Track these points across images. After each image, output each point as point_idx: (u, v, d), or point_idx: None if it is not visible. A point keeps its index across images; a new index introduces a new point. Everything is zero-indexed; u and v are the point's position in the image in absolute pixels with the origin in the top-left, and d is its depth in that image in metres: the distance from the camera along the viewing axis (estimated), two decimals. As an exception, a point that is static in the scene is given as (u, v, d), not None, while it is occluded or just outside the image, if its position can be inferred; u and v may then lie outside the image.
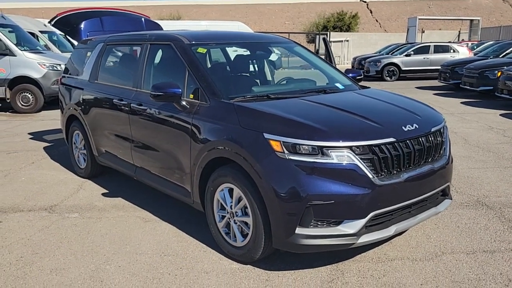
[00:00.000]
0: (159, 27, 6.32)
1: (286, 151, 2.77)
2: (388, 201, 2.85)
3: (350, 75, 4.35)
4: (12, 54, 10.29)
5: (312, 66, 4.42)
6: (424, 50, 17.93)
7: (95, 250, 3.42)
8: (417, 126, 3.06)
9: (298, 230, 2.76)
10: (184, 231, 3.71)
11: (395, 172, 2.88)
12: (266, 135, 2.85)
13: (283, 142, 2.78)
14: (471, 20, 30.30)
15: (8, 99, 10.49)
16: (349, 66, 23.26)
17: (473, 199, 4.33)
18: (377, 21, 56.95)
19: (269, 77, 4.68)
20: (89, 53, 5.16)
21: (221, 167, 3.21)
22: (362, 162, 2.75)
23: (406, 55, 17.82)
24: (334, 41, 28.36)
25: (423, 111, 3.40)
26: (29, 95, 10.56)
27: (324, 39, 5.31)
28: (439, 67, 15.23)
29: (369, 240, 2.85)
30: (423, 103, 3.70)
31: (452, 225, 3.75)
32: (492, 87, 11.23)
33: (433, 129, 3.17)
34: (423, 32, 29.80)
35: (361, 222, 2.78)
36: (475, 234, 3.56)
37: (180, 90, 3.43)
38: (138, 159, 4.19)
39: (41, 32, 13.73)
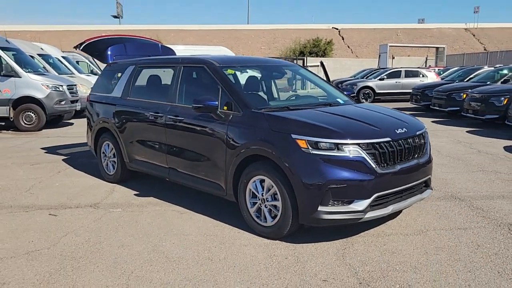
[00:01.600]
0: (172, 52, 7.17)
1: (310, 147, 3.64)
2: (386, 186, 3.74)
3: (346, 93, 5.30)
4: (17, 75, 10.94)
5: (316, 85, 5.35)
6: (396, 74, 19.32)
7: (147, 233, 4.17)
8: (406, 130, 4.00)
9: (320, 208, 3.62)
10: (217, 219, 4.49)
11: (391, 164, 3.79)
12: (294, 136, 3.72)
13: (307, 140, 3.66)
14: (437, 48, 32.34)
15: (11, 118, 11.07)
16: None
17: (448, 194, 5.29)
18: (348, 47, 59.19)
19: (275, 94, 5.60)
20: (119, 74, 5.96)
21: (253, 163, 4.05)
22: (367, 156, 3.65)
23: (380, 79, 19.16)
24: (310, 66, 29.72)
25: (409, 119, 4.35)
26: (32, 114, 11.16)
27: (321, 63, 6.20)
28: (410, 90, 16.52)
29: (373, 216, 3.72)
30: (407, 114, 4.66)
31: (432, 211, 4.67)
32: (458, 108, 12.47)
33: (417, 133, 4.11)
34: (393, 58, 31.58)
35: (367, 201, 3.65)
36: (451, 217, 4.49)
37: (217, 103, 4.28)
38: (172, 162, 4.97)
39: (38, 55, 14.35)
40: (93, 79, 16.97)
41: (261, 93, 5.11)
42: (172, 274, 3.33)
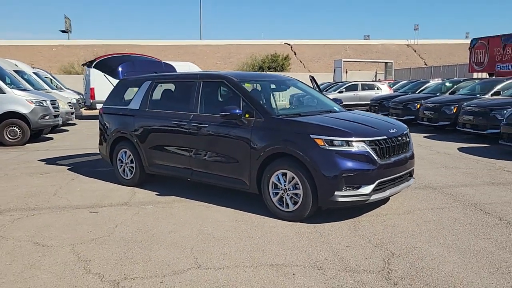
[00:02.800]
0: (173, 68, 7.96)
1: (326, 145, 4.58)
2: (385, 174, 4.74)
3: (337, 102, 6.31)
4: (2, 92, 11.25)
5: (312, 96, 6.33)
6: (353, 87, 20.85)
7: (187, 221, 4.94)
8: (396, 130, 5.04)
9: (336, 193, 4.55)
10: (241, 210, 5.31)
11: (387, 156, 4.79)
12: (312, 136, 4.66)
13: (324, 139, 4.60)
14: (386, 63, 34.65)
15: (-4, 133, 11.32)
16: (285, 103, 25.82)
17: (422, 185, 6.40)
18: (301, 62, 61.38)
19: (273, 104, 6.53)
20: (135, 89, 6.69)
21: (275, 160, 4.93)
22: (371, 150, 4.64)
23: (339, 92, 20.59)
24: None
25: (396, 122, 5.41)
26: (17, 129, 11.47)
27: (312, 77, 7.20)
28: (367, 102, 17.98)
29: (376, 198, 4.71)
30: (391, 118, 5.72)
31: (414, 197, 5.73)
32: (414, 116, 13.91)
33: (404, 132, 5.16)
34: (347, 72, 33.48)
35: (371, 186, 4.63)
36: (430, 201, 5.56)
37: (241, 111, 5.15)
38: (196, 164, 5.75)
39: (14, 71, 14.56)
40: (65, 94, 17.29)
41: (272, 102, 6.02)
42: (225, 248, 4.14)
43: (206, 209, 5.40)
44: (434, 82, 17.36)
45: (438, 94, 14.63)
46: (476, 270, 3.57)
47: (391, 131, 4.97)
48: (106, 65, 7.38)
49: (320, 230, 4.58)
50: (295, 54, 64.46)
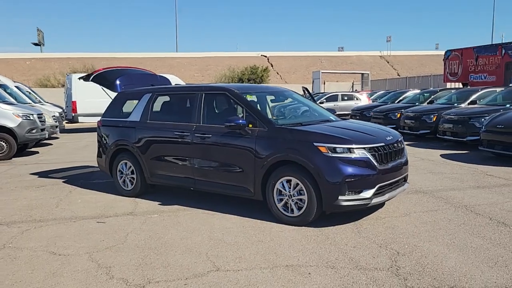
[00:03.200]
0: (168, 81, 8.13)
1: (329, 152, 4.85)
2: (384, 179, 5.03)
3: (331, 112, 6.61)
4: (-12, 106, 11.18)
5: (308, 107, 6.61)
6: (333, 98, 21.36)
7: (195, 229, 5.11)
8: (391, 137, 5.35)
9: (340, 197, 4.81)
10: (246, 217, 5.51)
11: (385, 162, 5.09)
12: (315, 144, 4.92)
13: (327, 146, 4.87)
14: (362, 74, 35.51)
15: (-18, 147, 11.22)
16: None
17: (413, 190, 6.73)
18: (278, 73, 62.12)
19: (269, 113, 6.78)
20: (135, 101, 6.84)
21: (279, 167, 5.16)
22: (371, 156, 4.93)
23: (320, 103, 21.03)
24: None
25: (390, 130, 5.73)
26: (3, 143, 11.39)
27: (306, 89, 7.50)
28: (347, 112, 18.46)
29: (376, 202, 4.98)
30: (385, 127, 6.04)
31: (407, 201, 6.04)
32: (395, 125, 14.38)
33: (398, 139, 5.48)
34: (325, 83, 34.14)
35: (372, 190, 4.91)
36: (423, 204, 5.88)
37: (245, 121, 5.38)
38: (199, 173, 5.93)
39: (-3, 85, 14.45)
40: (47, 107, 17.16)
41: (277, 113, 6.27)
42: (239, 251, 4.33)
43: (211, 217, 5.57)
44: (412, 92, 17.97)
45: (417, 103, 15.19)
46: (476, 265, 3.86)
47: (388, 138, 5.28)
48: (104, 78, 7.51)
49: (325, 233, 4.82)
50: (272, 66, 65.21)
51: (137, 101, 6.86)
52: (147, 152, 6.47)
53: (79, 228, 5.28)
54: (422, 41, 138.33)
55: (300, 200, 5.05)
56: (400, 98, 17.30)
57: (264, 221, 5.28)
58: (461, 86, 20.03)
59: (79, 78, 8.05)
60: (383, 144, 5.12)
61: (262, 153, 5.27)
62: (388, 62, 73.89)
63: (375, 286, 3.49)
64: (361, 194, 4.88)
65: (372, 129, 5.60)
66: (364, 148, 4.93)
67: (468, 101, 12.65)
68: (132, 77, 7.59)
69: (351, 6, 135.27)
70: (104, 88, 7.47)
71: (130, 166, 6.75)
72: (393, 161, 5.23)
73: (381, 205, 5.69)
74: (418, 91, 17.66)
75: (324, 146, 4.89)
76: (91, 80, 7.45)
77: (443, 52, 75.07)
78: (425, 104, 14.74)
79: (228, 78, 44.84)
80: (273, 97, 6.55)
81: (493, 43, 18.43)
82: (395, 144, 5.32)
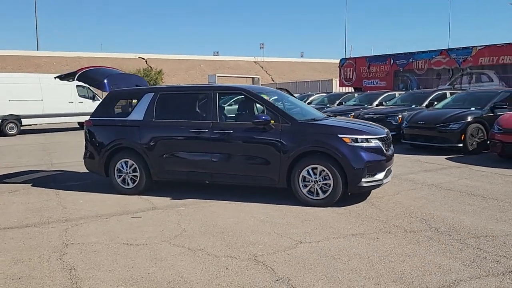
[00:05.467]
0: (145, 81, 8.29)
1: (352, 142, 5.78)
2: (389, 164, 6.13)
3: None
4: None
5: (297, 106, 7.45)
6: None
7: (237, 216, 5.61)
8: (386, 130, 6.48)
9: (362, 180, 5.77)
10: (270, 204, 6.13)
11: (387, 150, 6.19)
12: (340, 135, 5.81)
13: (350, 137, 5.80)
14: (253, 78, 37.29)
15: None
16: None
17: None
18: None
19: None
20: (134, 100, 6.99)
21: (305, 157, 5.93)
22: (382, 145, 5.99)
23: (229, 105, 21.87)
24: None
25: (378, 125, 6.87)
26: None
27: (287, 91, 8.29)
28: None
29: (385, 183, 6.05)
30: (368, 122, 7.17)
31: (386, 185, 7.25)
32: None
33: (388, 132, 6.64)
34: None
35: (383, 173, 5.98)
36: (401, 185, 7.13)
37: (270, 118, 6.04)
38: (217, 167, 6.38)
39: None
40: None
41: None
42: (299, 228, 5.01)
43: (238, 206, 6.08)
44: (319, 95, 19.84)
45: (366, 105, 15.59)
46: (485, 222, 5.12)
47: (385, 130, 6.40)
48: (90, 77, 7.43)
49: (353, 210, 5.73)
50: (151, 68, 64.21)
51: (135, 100, 6.99)
52: (155, 149, 6.68)
53: (122, 223, 5.41)
54: (290, 49, 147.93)
55: (325, 184, 5.88)
56: (308, 101, 18.97)
57: (292, 206, 5.97)
58: (352, 90, 22.64)
59: (56, 77, 7.76)
60: (385, 135, 6.21)
61: (288, 145, 5.98)
62: (262, 68, 77.68)
63: (435, 242, 4.49)
64: (375, 176, 5.90)
65: (366, 124, 6.68)
66: (377, 138, 5.97)
67: (376, 102, 14.65)
68: (117, 77, 7.63)
69: (226, 13, 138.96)
70: (91, 88, 7.38)
71: (132, 164, 6.86)
72: (390, 149, 6.35)
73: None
74: (324, 94, 19.57)
75: (348, 137, 5.80)
76: (77, 79, 7.33)
77: (309, 60, 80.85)
78: (335, 105, 16.51)
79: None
80: (276, 97, 7.23)
81: (381, 54, 21.39)
82: (389, 135, 6.46)
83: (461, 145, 10.07)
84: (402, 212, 5.58)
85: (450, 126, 10.13)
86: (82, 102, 21.04)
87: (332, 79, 32.11)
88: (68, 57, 63.67)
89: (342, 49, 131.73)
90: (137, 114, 6.88)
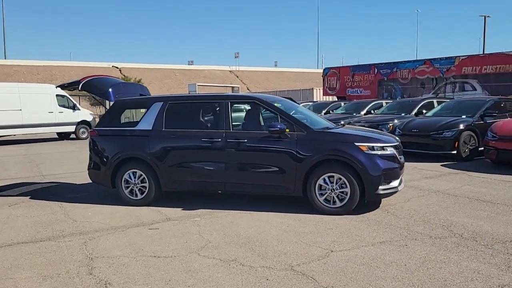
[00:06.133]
0: (148, 90, 8.16)
1: (369, 150, 5.84)
2: (402, 171, 6.21)
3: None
4: None
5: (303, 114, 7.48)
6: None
7: (257, 225, 5.56)
8: (397, 138, 6.57)
9: (379, 187, 5.82)
10: (284, 213, 6.11)
11: (400, 158, 6.28)
12: (356, 143, 5.86)
13: (367, 145, 5.85)
14: (233, 87, 37.32)
15: None
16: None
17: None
18: (133, 85, 60.52)
19: None
20: (142, 110, 6.87)
21: (321, 165, 5.95)
22: (396, 153, 6.06)
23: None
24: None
25: (390, 134, 6.96)
26: None
27: (291, 99, 8.29)
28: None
29: (399, 190, 6.12)
30: (376, 130, 7.26)
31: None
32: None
33: (399, 140, 6.73)
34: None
35: (398, 180, 6.05)
36: (409, 192, 7.22)
37: (285, 126, 6.04)
38: (231, 176, 6.32)
39: None
40: None
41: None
42: (325, 237, 5.00)
43: (254, 216, 6.02)
44: (304, 103, 19.97)
45: (355, 114, 15.78)
46: (504, 227, 5.23)
47: (397, 139, 6.49)
48: (94, 86, 7.28)
49: (371, 218, 5.76)
50: (125, 77, 63.38)
51: (143, 110, 6.88)
52: (166, 159, 6.57)
53: (141, 235, 5.29)
54: (264, 58, 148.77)
55: (342, 192, 5.90)
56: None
57: (308, 214, 5.96)
58: (335, 99, 22.92)
59: (57, 87, 7.56)
60: (398, 143, 6.30)
61: (305, 154, 5.98)
62: (237, 77, 77.81)
63: (464, 248, 4.56)
64: (390, 184, 5.97)
65: (378, 133, 6.76)
66: (391, 146, 6.05)
67: (364, 111, 14.86)
68: (120, 86, 7.50)
69: (199, 22, 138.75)
70: (96, 96, 7.24)
71: (141, 175, 6.72)
72: (402, 157, 6.44)
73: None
74: (310, 103, 19.72)
75: (364, 146, 5.85)
76: (81, 88, 7.17)
77: (283, 69, 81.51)
78: (321, 114, 16.65)
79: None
80: (286, 106, 7.23)
81: (365, 63, 21.70)
82: (400, 144, 6.55)
83: (454, 152, 10.30)
84: (420, 219, 5.65)
85: (443, 133, 10.35)
86: (62, 112, 20.61)
87: (312, 88, 32.44)
88: (39, 66, 62.31)
89: (315, 59, 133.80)
90: (146, 124, 6.76)
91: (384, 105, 15.35)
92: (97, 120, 29.70)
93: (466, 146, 10.42)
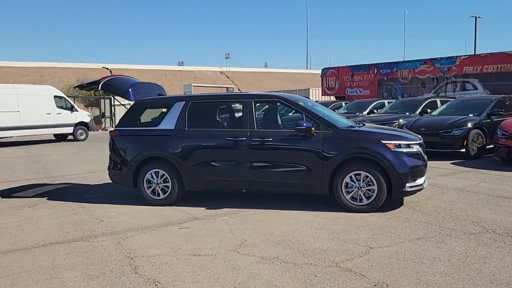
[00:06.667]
0: (164, 90, 8.13)
1: (396, 148, 5.89)
2: (426, 169, 6.27)
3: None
4: None
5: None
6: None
7: (287, 224, 5.57)
8: (420, 137, 6.62)
9: (406, 184, 5.87)
10: (312, 211, 6.14)
11: (424, 155, 6.34)
12: (383, 141, 5.90)
13: (394, 143, 5.90)
14: (227, 88, 37.30)
15: None
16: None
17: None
18: (125, 86, 60.16)
19: None
20: (164, 109, 6.84)
21: (348, 163, 5.98)
22: (421, 150, 6.12)
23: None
24: (118, 105, 30.49)
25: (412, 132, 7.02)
26: None
27: (307, 98, 8.32)
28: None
29: (425, 187, 6.18)
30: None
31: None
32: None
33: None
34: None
35: (423, 178, 6.11)
36: (428, 189, 7.29)
37: (312, 125, 6.07)
38: (256, 175, 6.32)
39: None
40: None
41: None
42: (361, 234, 5.03)
43: (281, 214, 6.03)
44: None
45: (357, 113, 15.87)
46: (532, 222, 5.32)
47: (419, 136, 6.55)
48: (114, 86, 7.25)
49: (399, 215, 5.81)
50: (116, 78, 62.94)
51: (164, 109, 6.85)
52: (189, 159, 6.55)
53: (173, 234, 5.27)
54: (255, 59, 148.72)
55: (369, 190, 5.94)
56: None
57: (334, 212, 5.98)
58: (334, 99, 23.03)
59: (75, 87, 7.51)
60: (421, 141, 6.36)
61: (331, 152, 6.01)
62: (228, 78, 77.74)
63: (501, 243, 4.62)
64: (416, 181, 6.03)
65: (401, 131, 6.82)
66: (417, 144, 6.11)
67: (367, 110, 14.96)
68: (140, 86, 7.47)
69: (190, 23, 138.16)
70: (115, 97, 7.20)
71: (163, 175, 6.70)
72: (425, 155, 6.50)
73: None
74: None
75: (391, 143, 5.90)
76: (100, 88, 7.13)
77: (273, 70, 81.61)
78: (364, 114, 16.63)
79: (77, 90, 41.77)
80: (310, 105, 7.24)
81: (365, 63, 21.84)
82: (423, 142, 6.62)
83: (463, 150, 10.42)
84: (448, 216, 5.71)
85: (452, 132, 10.47)
86: (60, 113, 20.41)
87: (309, 89, 32.52)
88: (28, 67, 61.68)
89: (304, 60, 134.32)
90: (168, 123, 6.74)
91: (386, 105, 15.47)
92: (102, 121, 29.56)
93: (474, 144, 10.55)
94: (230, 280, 3.87)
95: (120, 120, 7.12)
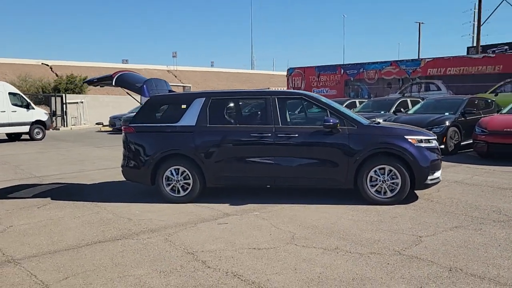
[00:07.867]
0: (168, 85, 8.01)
1: (418, 143, 6.21)
2: (441, 162, 6.66)
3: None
4: None
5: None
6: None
7: (323, 217, 5.72)
8: (434, 134, 7.00)
9: (428, 177, 6.21)
10: (337, 204, 6.32)
11: (439, 150, 6.72)
12: (406, 137, 6.21)
13: (416, 138, 6.22)
14: (184, 86, 36.82)
15: None
16: (87, 126, 26.13)
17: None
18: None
19: None
20: (183, 106, 6.76)
21: (372, 158, 6.23)
22: (437, 145, 6.50)
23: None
24: (70, 103, 29.34)
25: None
26: None
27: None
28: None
29: (441, 180, 6.55)
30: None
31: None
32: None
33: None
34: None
35: (440, 171, 6.49)
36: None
37: (338, 121, 6.26)
38: (281, 171, 6.41)
39: None
40: None
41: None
42: (397, 225, 5.28)
43: (308, 208, 6.15)
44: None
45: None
46: (545, 210, 5.82)
47: (431, 132, 6.94)
48: (127, 82, 7.05)
49: (422, 206, 6.12)
50: (57, 75, 60.26)
51: (184, 106, 6.77)
52: (212, 155, 6.53)
53: (216, 230, 5.27)
54: (201, 58, 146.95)
55: (393, 183, 6.22)
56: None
57: (360, 205, 6.20)
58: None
59: (83, 82, 7.20)
60: (435, 137, 6.74)
61: (357, 147, 6.23)
62: (176, 76, 76.61)
63: (531, 228, 5.04)
64: (434, 174, 6.38)
65: (415, 128, 7.16)
66: (434, 139, 6.47)
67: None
68: (152, 82, 7.33)
69: (134, 19, 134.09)
70: (130, 93, 7.04)
71: (184, 171, 6.62)
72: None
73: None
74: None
75: (414, 138, 6.22)
76: (114, 84, 6.92)
77: (220, 69, 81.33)
78: (296, 113, 17.01)
79: (41, 87, 39.44)
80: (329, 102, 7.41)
81: (331, 64, 22.42)
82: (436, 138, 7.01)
83: (442, 146, 11.03)
84: (468, 206, 6.10)
85: (433, 129, 11.01)
86: (15, 111, 19.30)
87: (269, 88, 32.89)
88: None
89: (249, 60, 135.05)
90: (189, 120, 6.66)
91: (358, 104, 16.02)
92: (53, 119, 27.99)
93: (451, 141, 11.23)
94: (309, 270, 3.96)
95: (135, 116, 6.94)
